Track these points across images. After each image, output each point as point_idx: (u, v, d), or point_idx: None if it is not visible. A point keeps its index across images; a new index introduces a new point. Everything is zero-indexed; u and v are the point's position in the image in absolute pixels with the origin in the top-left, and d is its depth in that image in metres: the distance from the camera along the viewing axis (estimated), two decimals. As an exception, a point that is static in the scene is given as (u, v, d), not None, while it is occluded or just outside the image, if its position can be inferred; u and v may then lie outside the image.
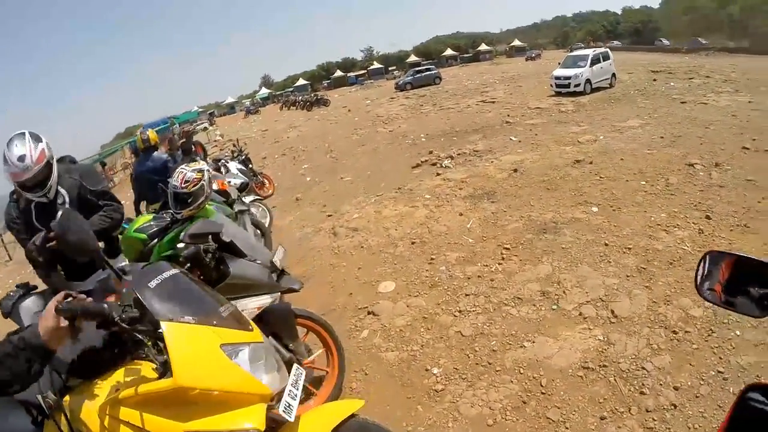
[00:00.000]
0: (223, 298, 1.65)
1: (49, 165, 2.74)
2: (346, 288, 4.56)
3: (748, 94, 12.00)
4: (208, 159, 8.23)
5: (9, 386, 1.27)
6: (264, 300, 2.49)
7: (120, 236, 3.49)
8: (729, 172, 5.95)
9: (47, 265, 2.67)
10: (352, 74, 66.77)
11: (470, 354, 3.23)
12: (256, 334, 1.51)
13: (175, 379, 1.30)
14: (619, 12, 76.75)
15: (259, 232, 5.87)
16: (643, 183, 5.96)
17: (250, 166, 9.72)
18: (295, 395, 1.58)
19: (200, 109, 62.79)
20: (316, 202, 8.44)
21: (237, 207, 4.05)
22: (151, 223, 3.67)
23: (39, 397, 1.42)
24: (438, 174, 8.23)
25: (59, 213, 2.60)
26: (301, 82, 69.00)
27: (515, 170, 7.22)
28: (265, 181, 9.99)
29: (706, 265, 1.20)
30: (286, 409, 1.49)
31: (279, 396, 1.52)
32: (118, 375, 1.48)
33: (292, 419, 1.49)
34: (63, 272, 3.09)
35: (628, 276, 3.82)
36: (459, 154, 9.37)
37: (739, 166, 6.08)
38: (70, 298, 1.37)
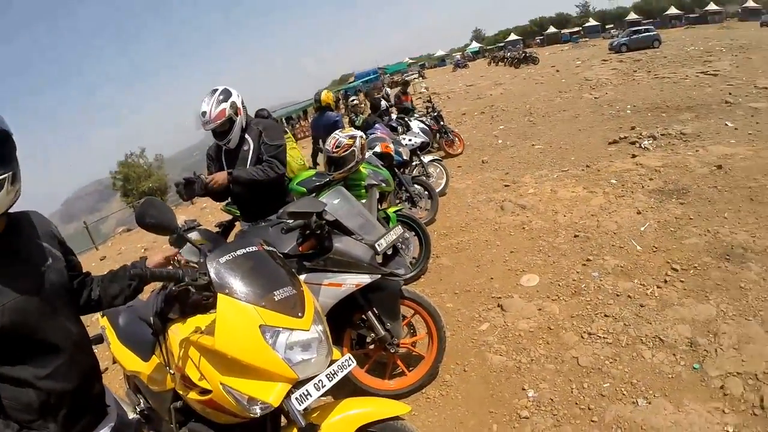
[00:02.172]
0: (293, 280, 1.67)
1: (230, 121, 2.92)
2: (491, 270, 4.29)
3: None
4: (392, 114, 8.30)
5: (116, 299, 1.53)
6: (363, 278, 2.43)
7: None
8: None
9: (191, 196, 3.05)
10: (566, 31, 59.79)
11: (575, 389, 2.66)
12: (304, 322, 1.54)
13: (214, 342, 1.48)
14: None
15: (426, 193, 5.82)
16: None
17: (442, 123, 9.58)
18: (321, 386, 1.56)
19: (411, 61, 64.10)
20: (500, 167, 8.05)
21: (367, 181, 3.99)
22: (313, 178, 3.80)
23: (152, 318, 1.82)
24: (633, 156, 7.05)
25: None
26: (513, 37, 64.73)
27: (719, 167, 5.63)
28: (456, 139, 9.77)
29: None
30: (300, 396, 1.50)
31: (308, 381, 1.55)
32: (203, 320, 1.66)
33: (299, 408, 1.48)
34: (240, 211, 3.49)
35: (806, 354, 2.62)
36: (663, 135, 7.83)
37: None
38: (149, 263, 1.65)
